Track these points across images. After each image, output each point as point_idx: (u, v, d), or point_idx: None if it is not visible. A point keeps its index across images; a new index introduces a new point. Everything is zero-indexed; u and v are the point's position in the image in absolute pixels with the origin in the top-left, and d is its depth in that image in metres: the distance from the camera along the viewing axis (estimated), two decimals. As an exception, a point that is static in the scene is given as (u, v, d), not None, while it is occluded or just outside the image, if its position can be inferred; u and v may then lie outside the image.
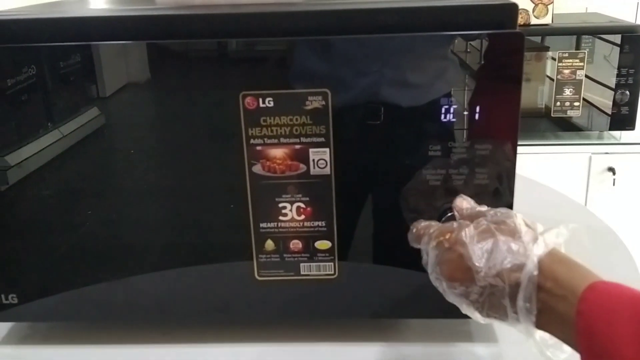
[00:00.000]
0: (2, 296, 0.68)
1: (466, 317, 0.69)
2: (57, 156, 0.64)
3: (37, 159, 0.64)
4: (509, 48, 0.58)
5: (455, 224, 0.53)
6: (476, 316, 0.52)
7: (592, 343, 0.42)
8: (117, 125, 0.66)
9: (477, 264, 0.49)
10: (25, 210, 0.66)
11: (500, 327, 0.70)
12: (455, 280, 0.51)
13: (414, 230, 0.57)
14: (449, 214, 0.60)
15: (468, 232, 0.50)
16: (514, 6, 0.58)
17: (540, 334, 0.48)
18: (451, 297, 0.52)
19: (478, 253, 0.49)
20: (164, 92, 0.64)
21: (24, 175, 0.65)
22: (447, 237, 0.52)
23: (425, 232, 0.55)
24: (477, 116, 0.61)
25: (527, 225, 0.50)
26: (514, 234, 0.49)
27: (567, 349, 0.47)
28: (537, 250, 0.47)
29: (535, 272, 0.46)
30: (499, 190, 0.62)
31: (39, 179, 0.65)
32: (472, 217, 0.54)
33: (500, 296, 0.48)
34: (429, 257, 0.54)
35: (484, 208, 0.56)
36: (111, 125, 0.65)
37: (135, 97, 0.65)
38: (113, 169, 0.67)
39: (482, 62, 0.60)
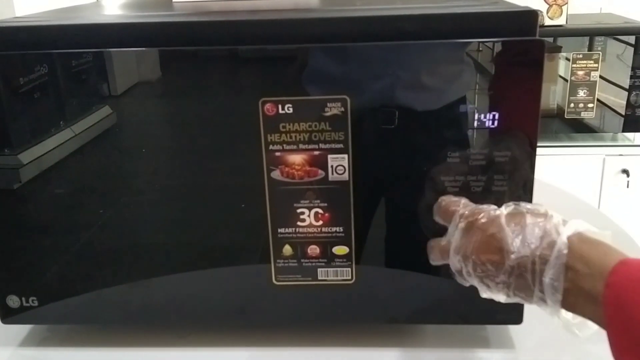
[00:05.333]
0: (23, 299, 0.68)
1: (483, 322, 0.70)
2: (70, 154, 0.65)
3: (49, 157, 0.65)
4: (529, 55, 0.58)
5: (485, 206, 0.54)
6: (500, 297, 0.52)
7: (620, 313, 0.42)
8: (131, 124, 0.66)
9: (511, 245, 0.49)
10: (38, 208, 0.67)
11: (517, 333, 0.70)
12: (486, 261, 0.51)
13: (443, 204, 0.58)
14: None
15: (502, 214, 0.51)
16: (534, 13, 0.58)
17: (565, 313, 0.48)
18: (474, 280, 0.53)
19: (511, 234, 0.50)
20: (178, 95, 0.65)
21: (37, 173, 0.65)
22: (479, 217, 0.53)
23: (455, 210, 0.55)
24: (496, 123, 0.61)
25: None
26: (543, 216, 0.50)
27: (592, 325, 0.48)
28: (567, 230, 0.48)
29: (565, 251, 0.47)
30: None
31: (52, 177, 0.66)
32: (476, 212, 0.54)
33: (528, 276, 0.48)
34: (455, 237, 0.54)
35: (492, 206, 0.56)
36: (123, 124, 0.65)
37: (148, 97, 0.66)
38: (127, 168, 0.67)
39: (502, 69, 0.60)
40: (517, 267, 0.49)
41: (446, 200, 0.58)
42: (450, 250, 0.54)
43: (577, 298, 0.46)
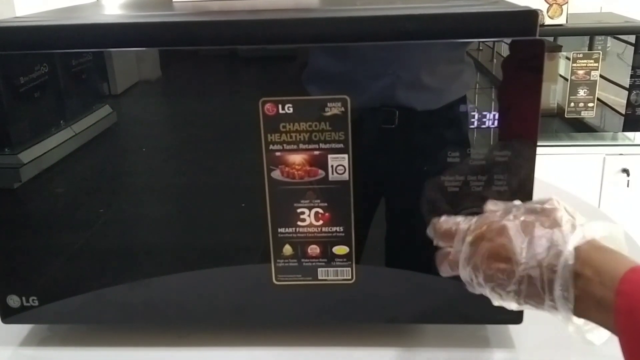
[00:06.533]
0: (23, 299, 0.68)
1: (483, 322, 0.70)
2: (70, 154, 0.65)
3: (49, 156, 0.65)
4: (530, 55, 0.58)
5: (489, 215, 0.54)
6: (511, 305, 0.52)
7: (632, 320, 0.42)
8: (131, 123, 0.66)
9: (519, 255, 0.49)
10: (38, 208, 0.67)
11: (517, 333, 0.70)
12: (496, 270, 0.51)
13: (438, 226, 0.57)
14: None
15: (512, 223, 0.51)
16: (535, 13, 0.58)
17: (578, 320, 0.48)
18: (485, 290, 0.53)
19: (519, 244, 0.49)
20: (178, 94, 0.65)
21: (37, 172, 0.65)
22: (484, 229, 0.52)
23: (457, 229, 0.55)
24: (496, 123, 0.61)
25: (568, 214, 0.51)
26: (554, 224, 0.49)
27: (606, 332, 0.47)
28: (575, 240, 0.48)
29: (571, 262, 0.46)
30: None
31: (52, 176, 0.66)
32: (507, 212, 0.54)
33: (538, 285, 0.48)
34: (463, 251, 0.54)
35: (517, 202, 0.56)
36: (123, 123, 0.65)
37: (148, 97, 0.66)
38: (126, 168, 0.67)
39: (502, 68, 0.60)
40: (527, 277, 0.49)
41: (441, 222, 0.57)
42: (459, 262, 0.54)
43: (588, 305, 0.46)
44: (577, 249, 0.47)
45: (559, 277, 0.47)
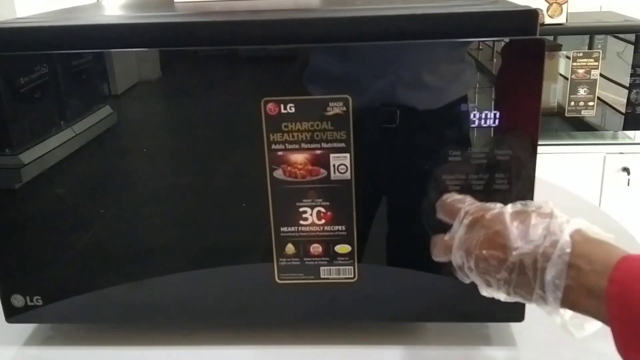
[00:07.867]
0: (27, 298, 0.69)
1: (485, 320, 0.70)
2: (71, 154, 0.65)
3: (50, 157, 0.65)
4: (530, 55, 0.58)
5: (490, 204, 0.55)
6: (499, 295, 0.53)
7: (624, 307, 0.43)
8: (131, 124, 0.66)
9: (513, 241, 0.50)
10: (40, 208, 0.67)
11: (518, 331, 0.70)
12: (489, 256, 0.51)
13: (447, 201, 0.58)
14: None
15: (507, 211, 0.52)
16: (535, 12, 0.58)
17: (563, 312, 0.49)
18: (475, 276, 0.53)
19: (514, 231, 0.50)
20: (179, 95, 0.65)
21: (38, 173, 0.66)
22: (484, 214, 0.53)
23: (460, 208, 0.56)
24: (497, 122, 0.61)
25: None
26: (549, 216, 0.50)
27: (588, 327, 0.48)
28: (570, 229, 0.48)
29: (568, 249, 0.47)
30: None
31: (53, 177, 0.66)
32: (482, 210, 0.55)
33: (529, 274, 0.49)
34: (459, 233, 0.54)
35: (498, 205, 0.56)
36: (124, 124, 0.65)
37: (149, 97, 0.66)
38: (127, 168, 0.67)
39: (502, 68, 0.60)
40: (519, 264, 0.49)
41: (450, 197, 0.58)
42: (453, 245, 0.54)
43: (579, 295, 0.46)
44: (571, 239, 0.48)
45: (553, 265, 0.47)
